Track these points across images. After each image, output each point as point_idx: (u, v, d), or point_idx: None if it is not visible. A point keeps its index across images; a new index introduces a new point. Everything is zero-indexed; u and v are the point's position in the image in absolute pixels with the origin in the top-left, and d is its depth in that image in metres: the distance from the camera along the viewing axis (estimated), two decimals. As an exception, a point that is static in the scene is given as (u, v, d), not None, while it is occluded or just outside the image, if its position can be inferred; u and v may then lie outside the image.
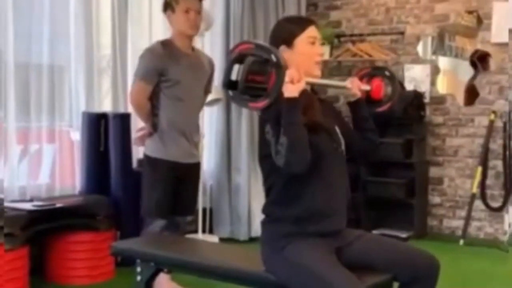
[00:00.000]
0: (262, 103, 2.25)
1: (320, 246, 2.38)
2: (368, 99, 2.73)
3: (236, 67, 2.25)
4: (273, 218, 2.47)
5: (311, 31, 2.51)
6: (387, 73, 2.82)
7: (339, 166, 2.52)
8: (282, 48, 2.46)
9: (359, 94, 2.67)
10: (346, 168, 2.57)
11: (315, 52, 2.53)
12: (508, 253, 5.15)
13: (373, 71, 2.83)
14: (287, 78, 2.26)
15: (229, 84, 2.27)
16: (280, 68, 2.22)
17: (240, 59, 2.26)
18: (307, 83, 2.42)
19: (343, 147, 2.55)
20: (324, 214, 2.43)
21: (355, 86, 2.66)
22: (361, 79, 2.77)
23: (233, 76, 2.25)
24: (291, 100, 2.28)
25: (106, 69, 4.73)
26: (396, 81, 2.82)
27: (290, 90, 2.27)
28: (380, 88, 2.74)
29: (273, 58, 2.23)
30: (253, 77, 2.24)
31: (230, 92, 2.28)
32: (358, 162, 5.66)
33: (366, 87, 2.72)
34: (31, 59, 4.20)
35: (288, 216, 2.42)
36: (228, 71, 2.27)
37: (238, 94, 2.27)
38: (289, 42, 2.47)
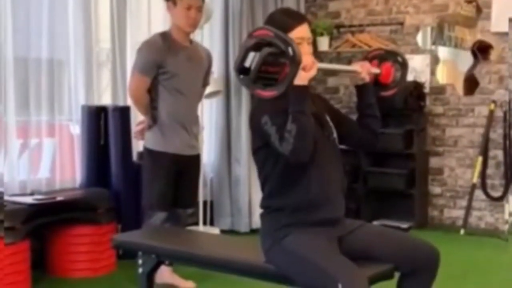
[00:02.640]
0: (270, 93, 2.23)
1: (319, 235, 2.38)
2: (375, 82, 2.68)
3: (251, 54, 2.22)
4: (271, 210, 2.48)
5: (298, 32, 2.43)
6: (399, 59, 2.74)
7: (332, 154, 2.51)
8: None
9: (367, 79, 2.62)
10: (340, 155, 2.56)
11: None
12: (509, 242, 5.15)
13: (386, 55, 2.75)
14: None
15: (241, 70, 2.24)
16: (295, 63, 2.19)
17: (256, 47, 2.22)
18: (319, 69, 2.39)
19: (334, 135, 2.54)
20: (321, 202, 2.43)
21: (364, 70, 2.61)
22: (372, 59, 2.71)
23: (247, 63, 2.22)
24: (302, 88, 2.28)
25: (105, 63, 4.73)
26: (407, 68, 2.75)
27: (302, 77, 2.27)
28: (390, 73, 2.68)
29: (290, 52, 2.19)
30: (266, 68, 2.22)
31: (241, 75, 2.25)
32: (358, 153, 5.66)
33: (376, 70, 2.66)
34: (30, 53, 4.20)
35: (285, 207, 2.42)
36: (243, 57, 2.23)
37: (248, 80, 2.24)
38: None
